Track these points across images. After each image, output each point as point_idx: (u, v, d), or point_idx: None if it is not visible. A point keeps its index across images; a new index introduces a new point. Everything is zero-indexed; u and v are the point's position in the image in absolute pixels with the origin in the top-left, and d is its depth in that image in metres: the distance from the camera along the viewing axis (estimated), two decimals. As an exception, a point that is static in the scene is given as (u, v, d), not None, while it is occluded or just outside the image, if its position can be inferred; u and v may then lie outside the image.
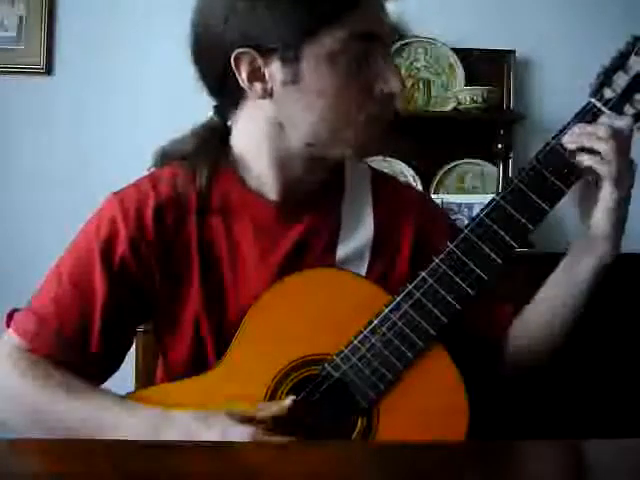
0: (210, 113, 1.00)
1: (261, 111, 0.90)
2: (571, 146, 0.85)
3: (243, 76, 0.87)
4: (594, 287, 0.90)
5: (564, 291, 0.92)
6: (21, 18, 2.45)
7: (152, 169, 0.99)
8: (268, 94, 0.88)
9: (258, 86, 0.88)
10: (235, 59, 0.86)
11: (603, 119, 0.85)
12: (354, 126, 0.88)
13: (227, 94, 0.92)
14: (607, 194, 0.84)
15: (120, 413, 0.85)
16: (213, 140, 0.97)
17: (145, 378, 1.17)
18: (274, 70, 0.86)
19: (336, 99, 0.87)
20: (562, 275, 0.93)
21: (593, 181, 0.86)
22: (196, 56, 0.93)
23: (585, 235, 0.89)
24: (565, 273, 0.93)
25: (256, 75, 0.87)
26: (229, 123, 0.98)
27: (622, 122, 0.84)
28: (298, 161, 0.93)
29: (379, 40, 0.88)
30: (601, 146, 0.83)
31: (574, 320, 0.93)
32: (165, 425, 0.82)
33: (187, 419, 0.82)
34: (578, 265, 0.90)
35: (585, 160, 0.85)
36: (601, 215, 0.85)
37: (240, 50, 0.86)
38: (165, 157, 0.98)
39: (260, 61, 0.86)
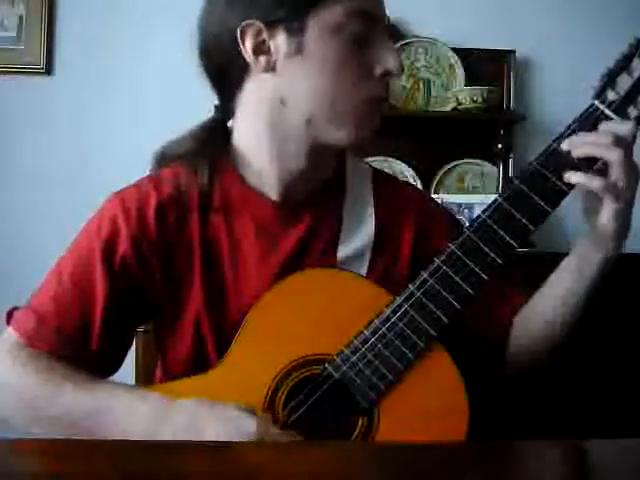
0: (211, 113, 1.00)
1: (263, 88, 0.90)
2: (575, 153, 0.85)
3: (248, 49, 0.88)
4: (597, 285, 0.90)
5: (566, 290, 0.92)
6: (21, 18, 2.45)
7: (152, 170, 0.99)
8: (271, 67, 0.89)
9: (262, 59, 0.88)
10: (241, 32, 0.87)
11: (604, 126, 0.84)
12: (353, 104, 0.89)
13: (230, 78, 0.93)
14: (608, 205, 0.84)
15: (132, 400, 0.85)
16: (213, 139, 0.97)
17: (145, 378, 1.17)
18: (279, 42, 0.87)
19: (337, 73, 0.88)
20: (565, 274, 0.93)
21: None
22: (202, 42, 0.94)
23: (589, 234, 0.89)
24: (568, 271, 0.92)
25: (261, 48, 0.88)
26: (229, 124, 0.98)
27: (625, 128, 0.84)
28: (297, 150, 0.92)
29: (379, 21, 0.90)
30: (608, 154, 0.82)
31: (575, 319, 0.92)
32: (173, 410, 0.83)
33: (195, 405, 0.82)
34: (583, 262, 0.90)
35: (573, 178, 0.84)
36: (606, 217, 0.84)
37: (246, 22, 0.87)
38: (165, 157, 0.98)
39: (266, 33, 0.87)
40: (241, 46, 0.88)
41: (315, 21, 0.86)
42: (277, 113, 0.91)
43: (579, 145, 0.84)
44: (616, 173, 0.82)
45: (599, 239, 0.87)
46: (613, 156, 0.82)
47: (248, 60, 0.89)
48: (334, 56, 0.87)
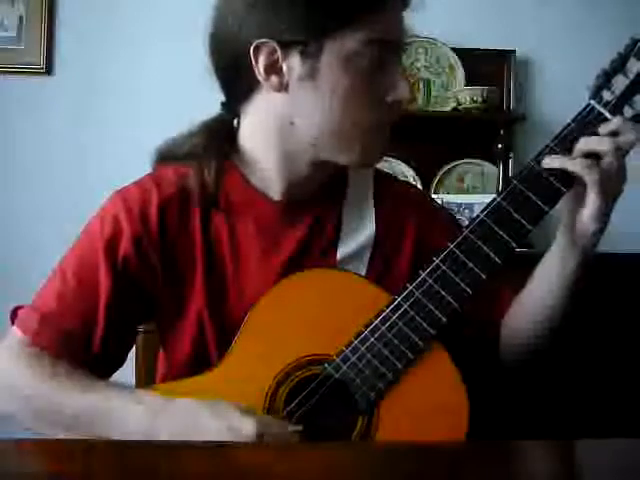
0: (214, 113, 1.00)
1: (272, 105, 0.90)
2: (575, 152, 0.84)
3: (260, 68, 0.87)
4: (578, 285, 0.89)
5: (547, 291, 0.92)
6: (21, 18, 2.46)
7: (155, 165, 0.99)
8: (283, 88, 0.88)
9: (274, 79, 0.88)
10: (255, 49, 0.86)
11: (610, 126, 0.84)
12: (361, 131, 0.89)
13: (240, 87, 0.92)
14: (591, 205, 0.83)
15: (128, 401, 0.85)
16: (220, 138, 0.97)
17: (145, 378, 1.17)
18: (293, 64, 0.87)
19: (349, 100, 0.87)
20: (544, 275, 0.93)
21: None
22: (213, 48, 0.93)
23: (565, 235, 0.88)
24: (547, 273, 0.92)
25: (274, 68, 0.87)
26: (235, 123, 0.98)
27: (632, 136, 0.83)
28: (303, 161, 0.93)
29: (395, 47, 0.89)
30: (606, 155, 0.82)
31: (559, 318, 0.92)
32: (169, 410, 0.83)
33: (193, 405, 0.82)
34: (562, 264, 0.89)
35: (573, 166, 0.83)
36: (588, 217, 0.84)
37: (261, 40, 0.86)
38: (168, 155, 0.98)
39: (279, 54, 0.86)
40: (253, 63, 0.87)
41: (332, 47, 0.85)
42: (285, 131, 0.91)
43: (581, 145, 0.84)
44: (606, 170, 0.82)
45: (577, 239, 0.87)
46: (608, 158, 0.82)
47: (259, 77, 0.88)
48: (347, 83, 0.86)
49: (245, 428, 0.78)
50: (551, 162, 0.85)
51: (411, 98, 0.89)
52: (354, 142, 0.90)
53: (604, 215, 0.84)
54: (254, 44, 0.86)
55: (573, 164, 0.83)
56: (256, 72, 0.88)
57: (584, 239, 0.86)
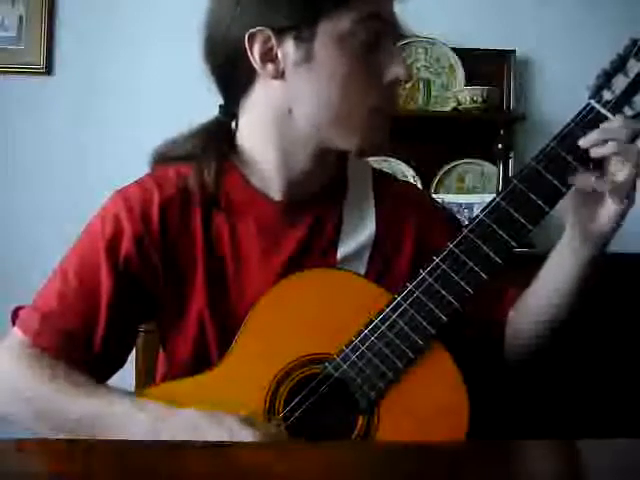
0: (214, 113, 1.00)
1: (270, 96, 0.90)
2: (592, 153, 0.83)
3: (256, 56, 0.88)
4: (589, 284, 0.89)
5: (554, 290, 0.92)
6: (21, 18, 2.46)
7: (153, 165, 0.99)
8: (280, 75, 0.88)
9: (270, 67, 0.88)
10: (249, 38, 0.87)
11: (613, 124, 0.83)
12: (361, 113, 0.89)
13: (237, 81, 0.92)
14: (611, 206, 0.83)
15: (130, 408, 0.84)
16: (219, 139, 0.97)
17: (145, 378, 1.18)
18: (287, 49, 0.87)
19: (346, 82, 0.87)
20: (552, 274, 0.92)
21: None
22: (208, 49, 0.93)
23: (574, 233, 0.88)
24: (555, 272, 0.92)
25: (269, 55, 0.88)
26: (233, 125, 0.98)
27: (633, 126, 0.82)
28: (303, 156, 0.93)
29: (387, 26, 0.89)
30: (625, 154, 0.81)
31: (567, 316, 0.92)
32: (171, 420, 0.82)
33: (195, 414, 0.82)
34: (571, 263, 0.89)
35: (580, 182, 0.83)
36: (608, 218, 0.84)
37: (255, 29, 0.86)
38: (165, 157, 0.98)
39: (274, 40, 0.87)
40: (249, 52, 0.88)
41: (325, 29, 0.86)
42: (284, 121, 0.91)
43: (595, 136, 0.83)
44: (626, 173, 0.81)
45: (591, 238, 0.86)
46: (631, 155, 0.81)
47: (255, 66, 0.89)
48: (343, 64, 0.87)
49: (244, 437, 0.78)
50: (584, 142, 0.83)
51: (407, 78, 0.89)
52: (353, 126, 0.90)
53: (625, 213, 0.83)
54: (248, 33, 0.87)
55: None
56: (252, 62, 0.88)
57: (600, 239, 0.86)
